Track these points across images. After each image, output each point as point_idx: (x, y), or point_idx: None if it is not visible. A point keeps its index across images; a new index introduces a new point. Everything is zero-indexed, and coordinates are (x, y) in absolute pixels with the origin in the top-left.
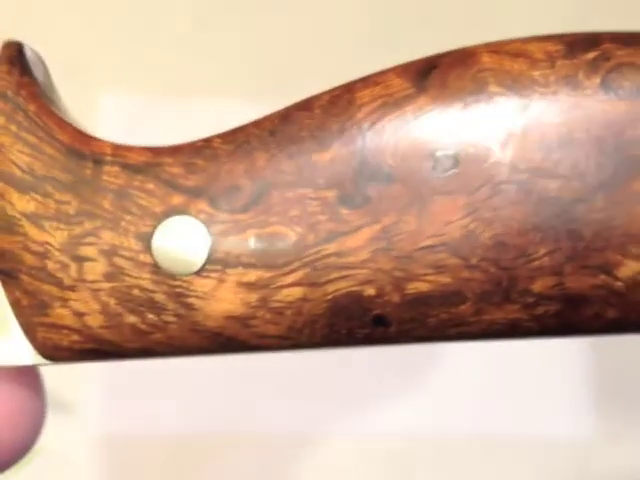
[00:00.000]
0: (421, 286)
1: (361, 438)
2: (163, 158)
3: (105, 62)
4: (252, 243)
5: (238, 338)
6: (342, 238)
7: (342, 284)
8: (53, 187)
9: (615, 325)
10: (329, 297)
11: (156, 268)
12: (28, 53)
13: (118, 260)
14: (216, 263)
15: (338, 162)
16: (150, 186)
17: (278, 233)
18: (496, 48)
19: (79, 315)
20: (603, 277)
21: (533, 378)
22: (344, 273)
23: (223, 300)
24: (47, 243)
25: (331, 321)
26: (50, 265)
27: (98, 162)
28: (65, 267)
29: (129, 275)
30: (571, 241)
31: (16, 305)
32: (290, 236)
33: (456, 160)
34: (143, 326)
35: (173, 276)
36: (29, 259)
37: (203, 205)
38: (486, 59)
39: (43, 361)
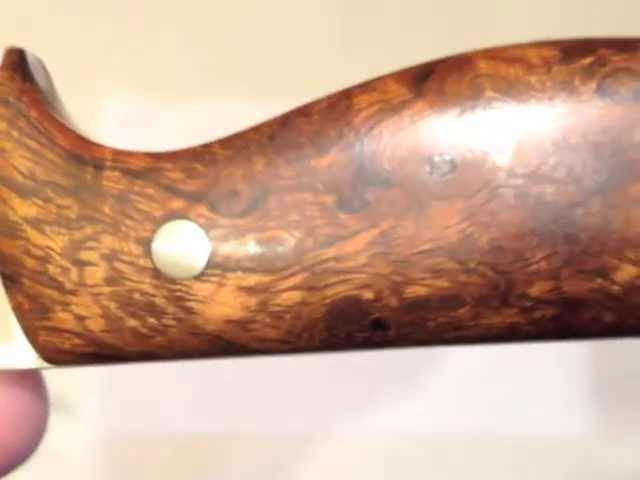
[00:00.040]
0: (419, 290)
1: (361, 438)
2: (163, 163)
3: (105, 63)
4: (251, 247)
5: (238, 342)
6: (340, 242)
7: (341, 288)
8: (54, 192)
9: (613, 329)
10: (328, 301)
11: (156, 272)
12: (30, 59)
13: (118, 264)
14: (216, 267)
15: (336, 167)
16: (150, 191)
17: (277, 238)
18: (492, 54)
19: (80, 319)
20: (600, 281)
21: (532, 378)
22: (342, 277)
23: (223, 304)
24: (48, 247)
25: (330, 325)
26: (51, 269)
27: (98, 167)
28: (66, 271)
29: (129, 279)
30: (568, 245)
31: (18, 309)
32: (289, 240)
33: (453, 165)
34: (144, 330)
35: (173, 280)
36: (30, 263)
37: (202, 210)
38: (482, 65)
39: (45, 365)
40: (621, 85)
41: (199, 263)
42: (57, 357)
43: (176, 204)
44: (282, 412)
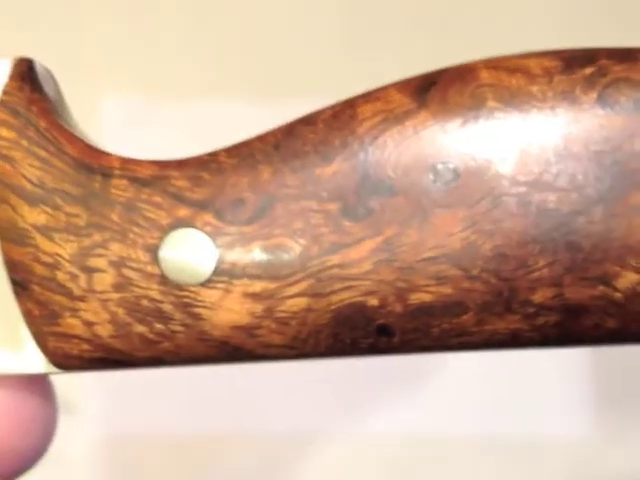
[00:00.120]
0: (423, 297)
1: (361, 439)
2: (169, 171)
3: (105, 63)
4: (257, 255)
5: (244, 347)
6: (345, 250)
7: (346, 295)
8: (63, 200)
9: (615, 335)
10: (333, 307)
11: (163, 279)
12: (39, 69)
13: (126, 271)
14: (222, 274)
15: (341, 176)
16: (157, 199)
17: (282, 245)
18: (494, 64)
19: (89, 325)
20: (602, 288)
21: (532, 378)
22: (347, 284)
23: (229, 310)
24: (57, 254)
25: (335, 331)
26: (60, 276)
27: (106, 176)
28: (75, 278)
29: (137, 286)
30: (570, 253)
31: (28, 315)
32: (294, 248)
33: (456, 173)
34: (151, 335)
35: (180, 287)
36: (40, 270)
37: (209, 218)
38: (485, 75)
39: (54, 370)
40: (622, 95)
41: (206, 270)
42: (66, 362)
43: (183, 212)
44: (282, 412)
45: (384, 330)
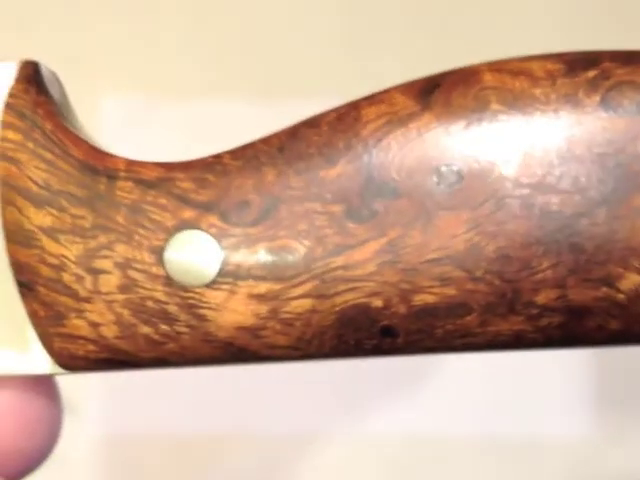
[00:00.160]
0: (427, 298)
1: (361, 439)
2: (175, 174)
3: (105, 63)
4: (262, 256)
5: (249, 348)
6: (349, 251)
7: (350, 296)
8: (68, 202)
9: (618, 336)
10: (337, 309)
11: (169, 280)
12: (44, 72)
13: (132, 272)
14: (227, 275)
15: (345, 178)
16: (162, 201)
17: (287, 246)
18: (498, 66)
19: (94, 326)
20: (605, 289)
21: (532, 378)
22: (352, 285)
23: (234, 311)
24: (63, 256)
25: (339, 332)
26: (66, 277)
27: (112, 177)
28: (80, 279)
29: (143, 287)
30: (573, 254)
31: (33, 316)
32: (299, 249)
33: (460, 175)
34: (156, 336)
35: (185, 288)
36: (46, 271)
37: (214, 219)
38: (488, 77)
39: (60, 370)
40: (625, 98)
41: (211, 271)
42: (71, 363)
43: (188, 214)
44: (282, 413)
45: (388, 331)
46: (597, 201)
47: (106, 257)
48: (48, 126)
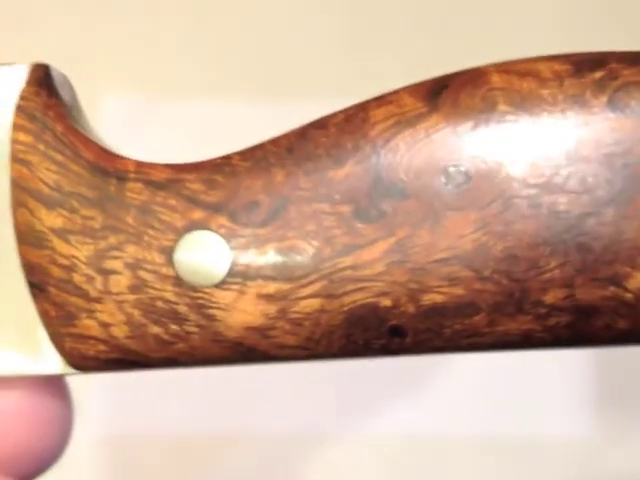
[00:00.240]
0: (435, 297)
1: (361, 438)
2: (184, 175)
3: (105, 63)
4: (271, 256)
5: (258, 348)
6: (358, 251)
7: (358, 296)
8: (79, 203)
9: (626, 336)
10: (346, 308)
11: (178, 280)
12: (55, 75)
13: (142, 273)
14: (236, 276)
15: (353, 178)
16: (172, 202)
17: (296, 247)
18: (505, 68)
19: (105, 326)
20: (613, 289)
21: (532, 378)
22: (360, 285)
23: (243, 311)
24: (74, 257)
25: (348, 332)
26: (77, 278)
27: (122, 179)
28: (91, 280)
29: (153, 287)
30: (581, 254)
31: (45, 316)
32: (307, 250)
33: (468, 176)
34: (166, 336)
35: (195, 288)
36: (57, 272)
37: (223, 220)
38: (496, 78)
39: (71, 371)
40: (632, 98)
41: (220, 272)
42: (82, 363)
43: (197, 214)
44: (282, 413)
45: (397, 331)
46: (604, 201)
47: (116, 258)
48: (59, 128)
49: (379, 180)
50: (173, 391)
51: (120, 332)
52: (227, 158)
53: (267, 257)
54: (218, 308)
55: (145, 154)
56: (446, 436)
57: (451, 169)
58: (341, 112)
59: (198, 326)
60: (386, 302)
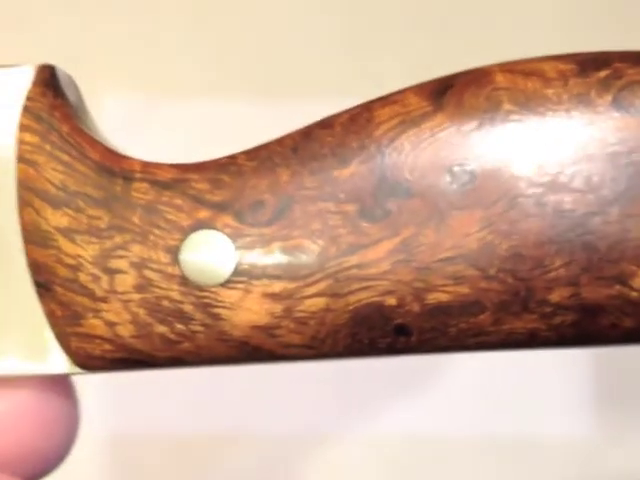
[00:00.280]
0: (441, 296)
1: (361, 438)
2: (190, 174)
3: (105, 63)
4: (276, 256)
5: (264, 347)
6: (363, 250)
7: (364, 295)
8: (85, 203)
9: (632, 334)
10: (351, 307)
11: (184, 280)
12: (61, 76)
13: (147, 272)
14: (242, 275)
15: (358, 178)
16: (177, 201)
17: (301, 246)
18: (510, 67)
19: (111, 325)
20: (618, 287)
21: (532, 378)
22: (365, 284)
23: (249, 310)
24: (80, 256)
25: (353, 331)
26: (82, 277)
27: (128, 179)
28: (97, 279)
29: (158, 287)
30: (586, 253)
31: (51, 316)
32: (312, 249)
33: (473, 175)
34: (172, 336)
35: (200, 287)
36: (62, 271)
37: (229, 219)
38: (500, 78)
39: (77, 370)
40: (636, 97)
41: (226, 271)
42: (88, 362)
43: (203, 214)
44: (282, 413)
45: (402, 330)
46: (610, 200)
47: (122, 257)
48: (65, 129)
49: (384, 179)
50: (173, 391)
51: (126, 331)
52: (232, 158)
53: (272, 256)
54: (224, 307)
55: (145, 154)
56: (446, 436)
57: (456, 168)
58: (346, 112)
59: (204, 325)
60: (391, 301)
